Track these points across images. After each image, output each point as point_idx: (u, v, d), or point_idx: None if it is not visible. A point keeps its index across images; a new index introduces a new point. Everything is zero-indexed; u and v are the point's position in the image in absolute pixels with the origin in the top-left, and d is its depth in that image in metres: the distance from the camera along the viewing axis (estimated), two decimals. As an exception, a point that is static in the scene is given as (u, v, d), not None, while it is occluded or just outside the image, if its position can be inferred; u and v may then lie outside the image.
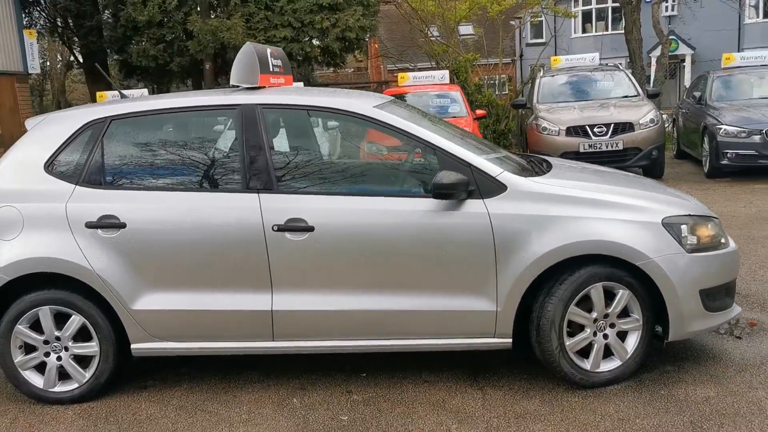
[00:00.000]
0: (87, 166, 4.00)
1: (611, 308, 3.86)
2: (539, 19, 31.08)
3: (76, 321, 3.97)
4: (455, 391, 3.96)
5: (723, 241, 4.05)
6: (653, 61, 40.89)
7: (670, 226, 3.86)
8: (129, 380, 4.26)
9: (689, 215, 3.96)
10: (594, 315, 3.86)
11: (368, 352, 4.04)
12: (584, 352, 3.93)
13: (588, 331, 3.88)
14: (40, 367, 4.07)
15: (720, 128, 10.70)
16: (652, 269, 3.77)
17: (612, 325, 3.90)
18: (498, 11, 18.28)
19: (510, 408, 3.73)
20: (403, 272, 3.85)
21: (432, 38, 19.66)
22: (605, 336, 3.90)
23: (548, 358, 3.85)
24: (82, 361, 4.06)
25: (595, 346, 3.89)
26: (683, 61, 38.11)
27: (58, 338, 4.01)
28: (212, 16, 16.46)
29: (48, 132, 4.10)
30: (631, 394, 3.80)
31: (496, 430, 3.52)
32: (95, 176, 4.00)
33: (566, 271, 3.81)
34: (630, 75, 13.09)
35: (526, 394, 3.88)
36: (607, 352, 3.94)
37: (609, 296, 3.87)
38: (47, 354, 4.04)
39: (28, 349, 4.06)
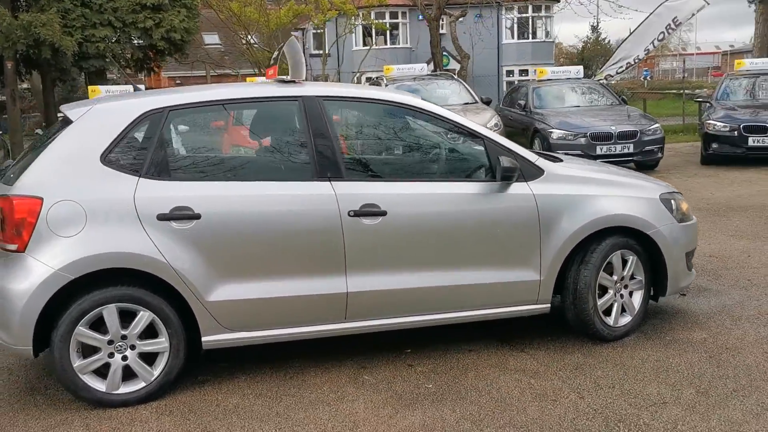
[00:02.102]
0: (149, 157, 3.88)
1: (625, 272, 4.58)
2: (319, 30, 32.18)
3: (144, 317, 3.84)
4: (504, 355, 4.43)
5: (690, 213, 4.97)
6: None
7: (665, 201, 4.67)
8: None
9: (673, 192, 4.81)
10: (615, 278, 4.55)
11: (430, 326, 4.36)
12: (605, 311, 4.59)
13: (611, 292, 4.55)
14: (99, 370, 3.87)
15: (551, 132, 12.19)
16: (659, 237, 4.55)
17: (626, 286, 4.61)
18: (323, 20, 18.80)
19: (562, 362, 4.29)
20: (463, 250, 4.25)
21: (252, 45, 19.66)
22: (621, 296, 4.60)
23: (584, 317, 4.46)
24: (147, 359, 3.93)
25: (615, 305, 4.58)
26: (454, 74, 41.40)
27: (123, 337, 3.84)
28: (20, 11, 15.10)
29: (100, 122, 3.91)
30: (648, 342, 4.54)
31: (569, 379, 4.04)
32: (159, 167, 3.90)
33: (593, 241, 4.44)
34: (465, 83, 14.33)
35: (566, 351, 4.46)
36: (620, 310, 4.64)
37: (622, 262, 4.58)
38: (111, 355, 3.85)
39: (86, 351, 3.84)
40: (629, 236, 4.54)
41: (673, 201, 4.73)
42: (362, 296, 4.10)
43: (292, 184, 4.05)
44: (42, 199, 3.71)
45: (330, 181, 4.05)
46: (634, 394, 3.82)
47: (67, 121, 3.96)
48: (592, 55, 56.87)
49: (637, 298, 4.67)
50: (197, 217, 3.84)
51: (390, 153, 4.63)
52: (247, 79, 13.51)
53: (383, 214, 4.06)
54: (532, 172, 4.37)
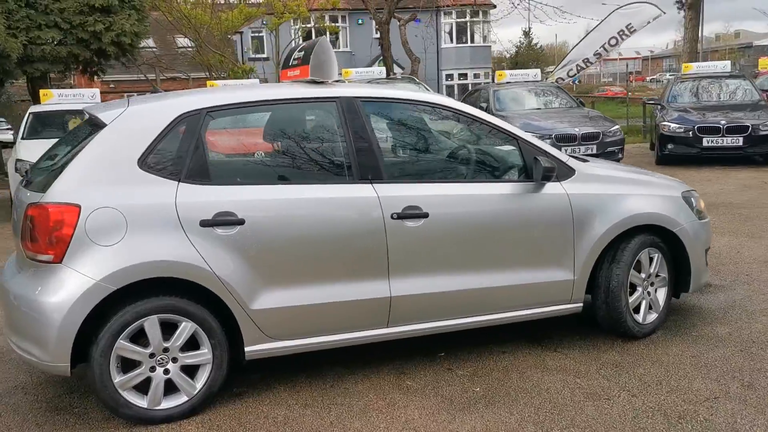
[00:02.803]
0: (188, 161, 3.72)
1: (652, 269, 4.64)
2: (261, 34, 31.83)
3: (187, 328, 3.67)
4: (539, 355, 4.42)
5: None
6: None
7: (686, 198, 4.76)
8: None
9: (690, 190, 4.91)
10: (643, 276, 4.60)
11: (466, 329, 4.31)
12: (635, 309, 4.63)
13: (639, 290, 4.60)
14: (137, 386, 3.68)
15: (517, 133, 12.34)
16: (683, 234, 4.63)
17: (652, 284, 4.68)
18: (277, 24, 18.57)
19: (600, 361, 4.31)
20: (502, 251, 4.23)
21: (189, 48, 19.25)
22: (648, 293, 4.66)
23: (617, 315, 4.49)
24: (188, 372, 3.76)
25: (644, 302, 4.63)
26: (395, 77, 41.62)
27: (165, 350, 3.67)
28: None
29: (135, 125, 3.73)
30: (675, 339, 4.61)
31: (613, 377, 4.06)
32: (199, 172, 3.74)
33: (623, 240, 4.49)
34: (427, 87, 14.38)
35: (599, 349, 4.48)
36: (648, 307, 4.70)
37: (648, 260, 4.64)
38: (152, 368, 3.67)
39: (126, 366, 3.65)
40: (655, 234, 4.60)
41: (692, 198, 4.83)
42: (405, 300, 4.03)
43: (334, 186, 3.95)
44: (80, 206, 3.51)
45: (371, 183, 3.97)
46: (683, 390, 3.86)
47: (97, 124, 3.75)
48: (525, 59, 58.18)
49: (662, 295, 4.73)
50: (241, 222, 3.70)
51: (427, 154, 4.57)
52: (209, 83, 13.25)
53: (425, 216, 4.00)
54: (564, 172, 4.38)
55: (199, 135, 3.77)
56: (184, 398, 3.73)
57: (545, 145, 4.41)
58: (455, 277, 4.13)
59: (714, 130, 12.76)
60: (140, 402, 3.66)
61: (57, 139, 4.60)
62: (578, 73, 19.67)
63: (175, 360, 3.70)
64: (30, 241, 3.58)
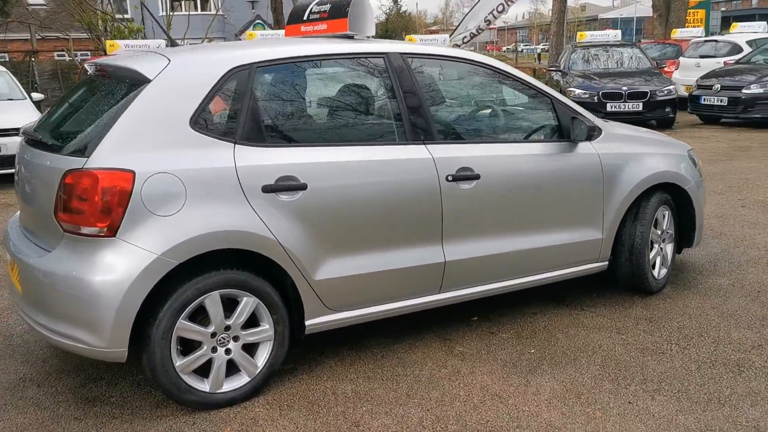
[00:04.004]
0: (243, 120, 3.40)
1: (665, 226, 4.78)
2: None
3: (249, 304, 3.39)
4: (570, 315, 4.46)
5: (699, 170, 5.29)
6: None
7: (691, 157, 4.93)
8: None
9: (691, 149, 5.08)
10: (659, 232, 4.74)
11: (510, 292, 4.26)
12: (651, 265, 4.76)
13: (656, 247, 4.73)
14: (198, 369, 3.36)
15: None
16: (692, 191, 4.80)
17: (663, 240, 4.82)
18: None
19: (631, 317, 4.40)
20: (544, 212, 4.20)
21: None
22: (661, 249, 4.81)
23: (640, 272, 4.60)
24: (248, 350, 3.48)
25: (659, 258, 4.77)
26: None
27: (226, 328, 3.37)
28: None
29: (183, 81, 3.34)
30: (687, 292, 4.79)
31: (655, 332, 4.16)
32: (254, 132, 3.43)
33: (643, 198, 4.58)
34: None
35: (625, 307, 4.58)
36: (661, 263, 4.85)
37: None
38: (213, 349, 3.36)
39: (185, 347, 3.32)
40: (667, 192, 4.73)
41: (694, 157, 5.00)
42: (458, 265, 3.92)
43: (390, 148, 3.74)
44: (134, 172, 3.11)
45: (425, 143, 3.80)
46: (726, 340, 4.02)
47: (137, 80, 3.33)
48: (395, 26, 58.58)
49: (670, 251, 4.89)
50: (303, 187, 3.43)
51: (471, 113, 4.42)
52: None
53: (477, 177, 3.89)
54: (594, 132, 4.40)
55: (251, 92, 3.44)
56: (246, 379, 3.45)
57: (576, 105, 4.40)
58: (502, 240, 4.06)
59: (617, 96, 13.39)
60: (201, 386, 3.35)
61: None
62: (471, 39, 19.93)
63: (236, 338, 3.40)
64: (69, 212, 3.15)
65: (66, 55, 17.11)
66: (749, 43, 16.45)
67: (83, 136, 3.28)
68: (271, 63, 3.55)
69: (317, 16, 4.20)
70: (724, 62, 15.98)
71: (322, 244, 3.51)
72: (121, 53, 12.12)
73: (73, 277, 3.11)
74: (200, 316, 3.31)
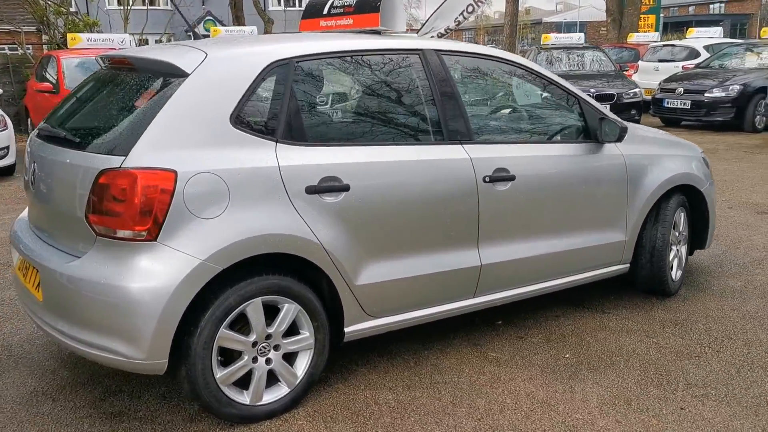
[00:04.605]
0: (283, 118, 3.22)
1: (681, 227, 4.77)
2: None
3: (291, 311, 3.21)
4: (595, 318, 4.40)
5: (706, 172, 5.30)
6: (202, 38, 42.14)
7: (704, 159, 4.94)
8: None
9: (702, 151, 5.09)
10: (677, 234, 4.72)
11: (539, 296, 4.18)
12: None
13: (675, 248, 4.72)
14: (237, 380, 3.18)
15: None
16: (708, 193, 4.81)
17: (680, 242, 4.81)
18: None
19: (656, 320, 4.36)
20: (574, 213, 4.14)
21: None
22: (678, 251, 4.79)
23: (661, 274, 4.57)
24: (288, 359, 3.30)
25: (676, 260, 4.76)
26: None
27: (267, 336, 3.19)
28: None
29: (222, 75, 3.14)
30: (703, 294, 4.79)
31: (684, 335, 4.13)
32: (295, 130, 3.25)
33: (662, 200, 4.56)
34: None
35: (645, 309, 4.54)
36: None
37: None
38: (254, 359, 3.18)
39: (226, 358, 3.13)
40: (683, 193, 4.72)
41: (706, 158, 5.01)
42: (493, 269, 3.82)
43: (428, 147, 3.61)
44: (175, 171, 2.91)
45: (462, 143, 3.68)
46: (756, 342, 4.01)
47: (172, 73, 3.12)
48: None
49: (684, 252, 4.89)
50: (346, 188, 3.27)
51: (505, 113, 4.32)
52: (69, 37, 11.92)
53: (512, 179, 3.80)
54: (619, 133, 4.35)
55: (291, 88, 3.27)
56: (285, 389, 3.28)
57: (601, 106, 4.34)
58: (535, 242, 3.98)
59: (585, 98, 13.49)
60: (241, 398, 3.16)
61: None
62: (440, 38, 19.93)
63: (277, 347, 3.22)
64: (102, 214, 2.93)
65: (18, 48, 16.41)
66: (706, 48, 16.85)
67: (115, 133, 3.05)
68: (311, 57, 3.38)
69: (341, 10, 4.05)
70: (683, 66, 16.33)
71: (363, 248, 3.36)
72: (84, 46, 11.78)
73: (108, 284, 2.89)
74: (239, 324, 3.12)
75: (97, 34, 13.03)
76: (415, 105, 3.67)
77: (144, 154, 2.91)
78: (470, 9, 18.48)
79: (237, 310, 3.06)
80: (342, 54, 3.51)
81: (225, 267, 2.97)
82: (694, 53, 16.76)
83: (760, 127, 13.47)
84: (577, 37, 16.28)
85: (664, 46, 18.01)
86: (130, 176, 2.87)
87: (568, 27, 62.63)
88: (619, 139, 4.14)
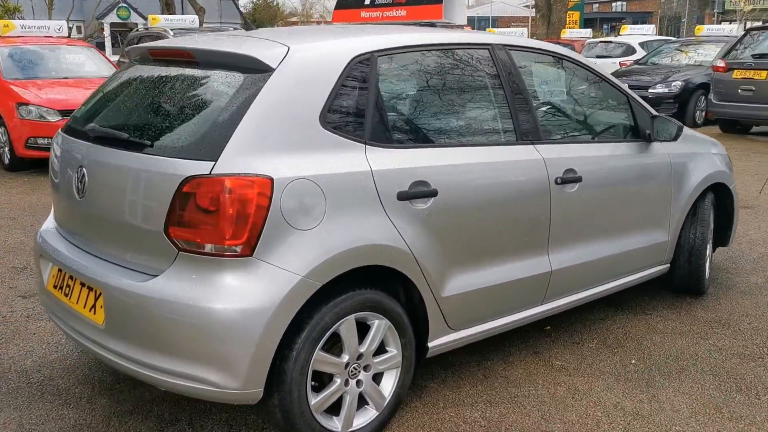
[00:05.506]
0: (369, 117, 2.96)
1: (712, 226, 4.74)
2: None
3: (382, 327, 2.96)
4: (641, 320, 4.33)
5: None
6: (106, 26, 40.48)
7: (728, 156, 4.95)
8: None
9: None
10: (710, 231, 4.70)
11: (591, 301, 4.06)
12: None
13: (709, 247, 4.69)
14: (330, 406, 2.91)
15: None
16: (734, 189, 4.81)
17: (710, 239, 4.79)
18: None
19: (702, 320, 4.32)
20: (631, 213, 4.05)
21: None
22: (709, 249, 4.78)
23: (699, 273, 4.54)
24: (376, 379, 3.05)
25: (708, 258, 4.74)
26: (134, 29, 38.93)
27: (359, 356, 2.93)
28: None
29: (308, 71, 2.84)
30: (732, 292, 4.80)
31: (737, 336, 4.10)
32: (382, 131, 3.00)
33: (699, 199, 4.53)
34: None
35: (686, 309, 4.50)
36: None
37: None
38: (346, 382, 2.91)
39: (318, 382, 2.85)
40: (713, 191, 4.71)
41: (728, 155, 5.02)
42: (561, 274, 3.67)
43: (505, 148, 3.42)
44: (271, 178, 2.60)
45: (533, 144, 3.51)
46: (809, 340, 4.03)
47: (254, 68, 2.79)
48: (262, 17, 57.29)
49: (710, 250, 4.88)
50: (434, 193, 3.04)
51: (568, 112, 4.14)
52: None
53: (579, 180, 3.65)
54: (662, 131, 4.28)
55: (375, 84, 3.01)
56: (374, 413, 3.02)
57: (647, 105, 4.26)
58: (596, 245, 3.86)
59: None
60: (332, 425, 2.89)
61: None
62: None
63: (367, 368, 2.97)
64: (187, 227, 2.60)
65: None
66: (641, 44, 17.32)
67: (196, 135, 2.71)
68: (390, 52, 3.12)
69: (389, 0, 3.79)
70: (620, 63, 16.73)
71: (448, 257, 3.14)
72: (18, 33, 10.96)
73: (197, 306, 2.57)
74: (327, 344, 2.84)
75: (31, 21, 12.13)
76: (491, 103, 3.47)
77: (235, 159, 2.59)
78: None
79: (331, 330, 2.78)
80: (418, 48, 3.26)
81: (324, 283, 2.69)
82: (630, 50, 17.20)
83: (699, 122, 13.93)
84: (519, 33, 16.41)
85: (600, 42, 18.41)
86: (222, 184, 2.54)
87: (480, 22, 63.64)
88: (676, 137, 4.06)
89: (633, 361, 3.77)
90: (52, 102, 8.98)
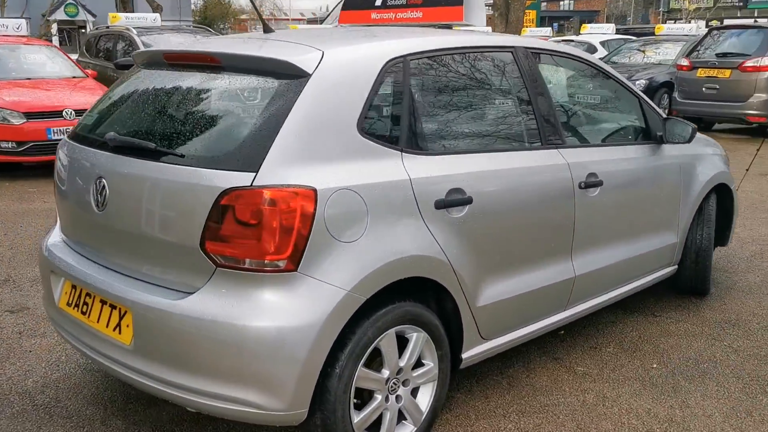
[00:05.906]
0: (405, 123, 2.86)
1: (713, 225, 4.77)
2: None
3: (420, 340, 2.87)
4: (653, 323, 4.32)
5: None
6: (53, 24, 39.41)
7: (726, 156, 4.99)
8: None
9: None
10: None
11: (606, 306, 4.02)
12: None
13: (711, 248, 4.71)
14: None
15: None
16: (733, 189, 4.85)
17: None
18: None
19: (713, 321, 4.33)
20: (645, 216, 4.03)
21: None
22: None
23: (704, 273, 4.56)
24: (413, 394, 2.96)
25: (711, 259, 4.76)
26: (83, 27, 37.93)
27: (398, 371, 2.83)
28: None
29: (344, 76, 2.72)
30: (735, 291, 4.83)
31: (751, 337, 4.11)
32: (417, 137, 2.90)
33: (704, 200, 4.54)
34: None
35: (694, 310, 4.51)
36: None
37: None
38: (386, 398, 2.81)
39: (361, 399, 2.75)
40: (715, 191, 4.73)
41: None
42: (584, 279, 3.62)
43: (531, 153, 3.36)
44: (315, 189, 2.48)
45: (558, 148, 3.46)
46: (822, 340, 4.07)
47: (289, 74, 2.66)
48: (214, 15, 56.42)
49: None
50: (469, 201, 2.96)
51: (588, 115, 4.09)
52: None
53: (600, 184, 3.61)
54: (672, 133, 4.27)
55: (409, 89, 2.91)
56: (411, 428, 2.93)
57: (657, 107, 4.25)
58: (614, 249, 3.83)
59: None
60: (373, 444, 2.78)
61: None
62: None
63: (406, 382, 2.87)
64: (226, 241, 2.46)
65: None
66: (602, 43, 17.53)
67: (231, 145, 2.57)
68: (422, 55, 3.02)
69: (403, 1, 3.70)
70: (583, 61, 16.87)
71: (482, 266, 3.06)
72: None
73: (239, 325, 2.43)
74: (368, 360, 2.73)
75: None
76: (517, 107, 3.40)
77: (276, 169, 2.46)
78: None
79: (373, 345, 2.68)
80: (448, 51, 3.16)
81: (368, 297, 2.58)
82: (591, 49, 17.37)
83: (663, 119, 14.13)
84: (487, 31, 16.41)
85: (562, 41, 18.57)
86: (264, 196, 2.41)
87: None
88: (690, 139, 4.06)
89: (654, 366, 3.75)
90: (17, 104, 8.62)
